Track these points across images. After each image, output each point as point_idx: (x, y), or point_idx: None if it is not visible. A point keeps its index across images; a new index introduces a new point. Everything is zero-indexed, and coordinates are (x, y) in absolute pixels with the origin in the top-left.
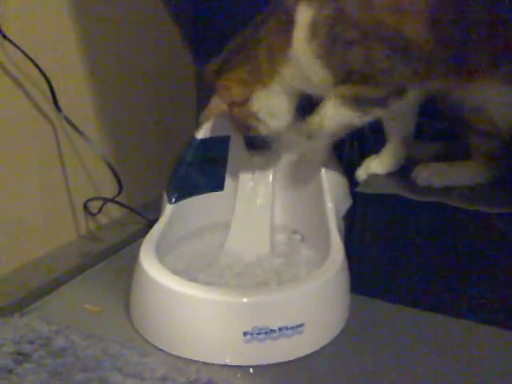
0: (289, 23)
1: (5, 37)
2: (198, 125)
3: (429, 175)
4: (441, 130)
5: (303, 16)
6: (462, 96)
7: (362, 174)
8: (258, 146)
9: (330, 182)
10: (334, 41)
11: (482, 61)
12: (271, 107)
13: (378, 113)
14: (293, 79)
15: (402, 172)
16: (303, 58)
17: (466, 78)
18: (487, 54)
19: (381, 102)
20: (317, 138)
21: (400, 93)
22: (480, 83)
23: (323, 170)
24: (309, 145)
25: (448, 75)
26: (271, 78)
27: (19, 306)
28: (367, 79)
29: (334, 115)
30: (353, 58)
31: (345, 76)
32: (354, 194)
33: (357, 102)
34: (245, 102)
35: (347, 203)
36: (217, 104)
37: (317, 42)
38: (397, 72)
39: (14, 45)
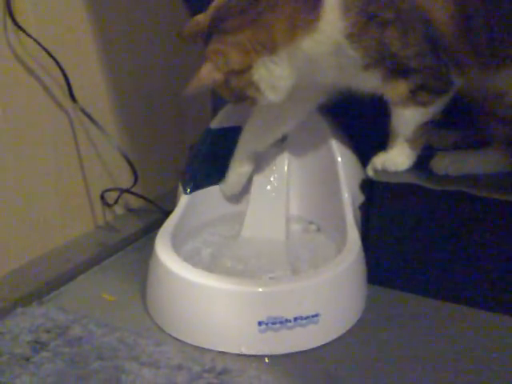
0: None
1: (20, 27)
2: (213, 115)
3: (447, 164)
4: (459, 118)
5: None
6: (484, 82)
7: (378, 166)
8: None
9: (347, 171)
10: (368, 20)
11: (507, 47)
12: (274, 79)
13: (442, 100)
14: (310, 53)
15: (420, 161)
16: (331, 34)
17: (493, 64)
18: None
19: (438, 89)
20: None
21: (446, 77)
22: (506, 69)
23: (339, 160)
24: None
25: (475, 63)
26: (284, 46)
27: (37, 296)
28: (399, 64)
29: (408, 120)
30: (390, 40)
31: (374, 60)
32: (371, 183)
33: (416, 96)
34: (245, 70)
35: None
36: (208, 72)
37: (349, 20)
38: (428, 59)
39: (29, 35)
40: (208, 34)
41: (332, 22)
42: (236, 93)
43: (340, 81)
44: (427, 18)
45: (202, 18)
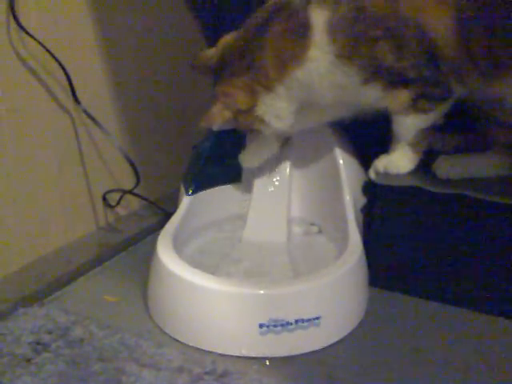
0: (299, 27)
1: (23, 29)
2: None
3: (449, 167)
4: (461, 121)
5: (318, 18)
6: (484, 88)
7: (380, 169)
8: None
9: (348, 174)
10: (356, 40)
11: (506, 56)
12: (277, 110)
13: (443, 106)
14: (306, 81)
15: (422, 164)
16: (324, 60)
17: (492, 72)
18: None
19: (438, 97)
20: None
21: (445, 85)
22: (505, 76)
23: (341, 163)
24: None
25: (475, 71)
26: (279, 82)
27: (38, 297)
28: (397, 75)
29: (409, 126)
30: (382, 55)
31: (371, 74)
32: (374, 186)
33: (416, 104)
34: (250, 109)
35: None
36: (219, 111)
37: (339, 42)
38: (425, 69)
39: (32, 37)
40: (217, 71)
41: (322, 47)
42: (244, 126)
43: (341, 99)
44: (423, 31)
45: (212, 54)
